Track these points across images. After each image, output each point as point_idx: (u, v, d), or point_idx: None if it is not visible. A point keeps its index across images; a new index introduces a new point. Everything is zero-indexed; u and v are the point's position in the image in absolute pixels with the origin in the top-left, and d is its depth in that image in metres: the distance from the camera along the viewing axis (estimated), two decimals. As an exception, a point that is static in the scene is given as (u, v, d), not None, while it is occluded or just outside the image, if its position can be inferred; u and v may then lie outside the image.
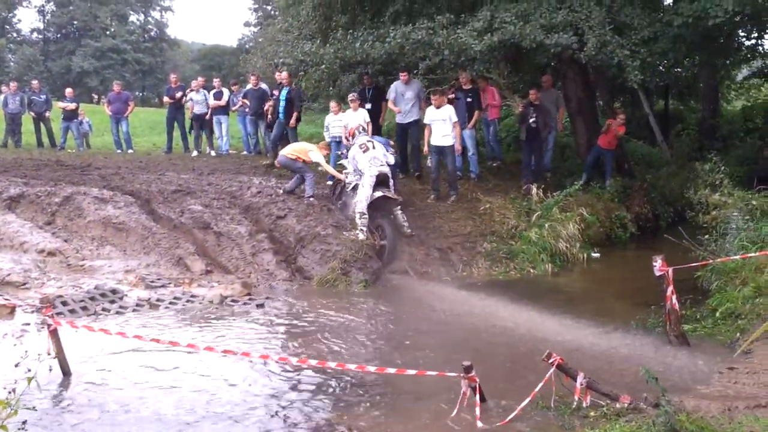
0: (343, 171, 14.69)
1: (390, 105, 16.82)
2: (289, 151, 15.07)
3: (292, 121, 18.18)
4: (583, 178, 16.64)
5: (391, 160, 14.15)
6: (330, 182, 15.74)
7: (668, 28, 15.34)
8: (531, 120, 16.41)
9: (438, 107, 15.17)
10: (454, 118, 15.19)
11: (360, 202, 13.46)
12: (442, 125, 15.14)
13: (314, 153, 14.82)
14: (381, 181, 13.69)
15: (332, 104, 17.08)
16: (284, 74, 18.85)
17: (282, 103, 18.45)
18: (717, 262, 10.64)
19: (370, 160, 13.69)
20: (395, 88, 16.72)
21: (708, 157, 14.44)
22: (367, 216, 13.41)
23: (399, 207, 14.02)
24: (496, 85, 18.50)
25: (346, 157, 14.75)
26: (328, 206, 14.19)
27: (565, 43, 14.55)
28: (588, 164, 17.29)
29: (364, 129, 15.02)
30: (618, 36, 14.97)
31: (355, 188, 13.97)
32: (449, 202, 15.54)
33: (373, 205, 13.57)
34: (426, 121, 15.41)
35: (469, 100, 16.57)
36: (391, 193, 13.83)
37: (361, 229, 13.31)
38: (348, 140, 15.11)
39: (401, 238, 13.78)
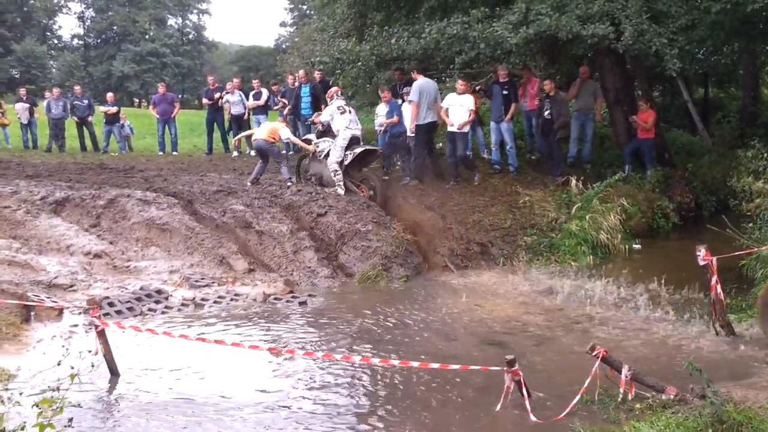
0: (312, 143, 15.60)
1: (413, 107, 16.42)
2: (265, 134, 16.04)
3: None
4: (626, 170, 16.54)
5: (359, 131, 15.35)
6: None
7: (706, 14, 15.15)
8: (546, 112, 16.41)
9: (461, 93, 15.66)
10: (471, 107, 15.59)
11: (333, 162, 14.61)
12: (459, 111, 15.57)
13: (283, 130, 16.38)
14: (353, 142, 14.88)
15: (384, 93, 17.21)
16: (300, 72, 19.65)
17: (307, 99, 18.68)
18: (762, 250, 10.50)
19: (348, 123, 14.88)
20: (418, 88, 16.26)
21: (750, 144, 14.24)
22: (341, 173, 14.60)
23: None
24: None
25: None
26: (368, 203, 14.22)
27: (602, 33, 14.44)
28: (627, 155, 17.19)
29: (341, 93, 16.13)
30: (655, 24, 14.82)
31: (327, 155, 14.95)
32: (475, 183, 15.91)
33: (357, 160, 14.74)
34: (444, 105, 15.84)
35: (505, 92, 16.53)
36: (370, 146, 15.29)
37: (340, 184, 14.53)
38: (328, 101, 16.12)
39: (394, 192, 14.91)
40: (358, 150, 14.77)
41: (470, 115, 15.67)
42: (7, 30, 65.94)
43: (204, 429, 6.53)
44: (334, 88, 16.32)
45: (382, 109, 17.04)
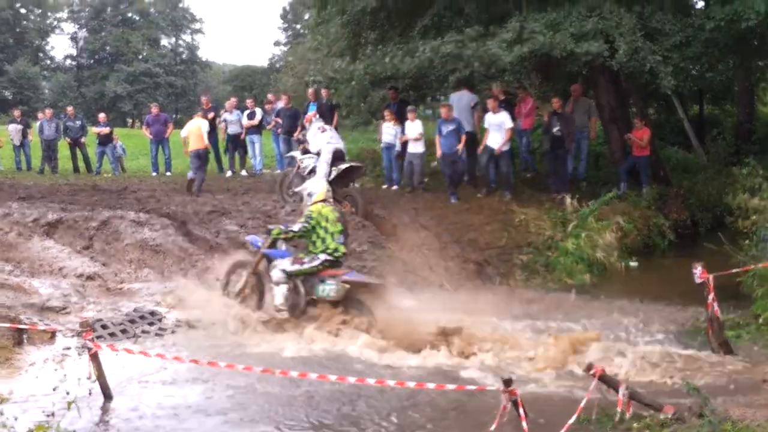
0: (298, 159, 15.94)
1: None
2: (204, 141, 18.33)
3: None
4: (621, 188, 16.52)
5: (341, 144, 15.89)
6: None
7: (700, 32, 15.22)
8: (555, 129, 16.41)
9: (495, 112, 16.12)
10: (508, 124, 16.07)
11: (321, 178, 14.55)
12: (496, 130, 16.07)
13: (204, 124, 18.78)
14: (338, 157, 15.18)
15: (386, 113, 17.43)
16: (310, 90, 19.36)
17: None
18: (759, 267, 10.47)
19: (328, 140, 15.34)
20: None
21: (745, 161, 14.26)
22: (330, 190, 14.33)
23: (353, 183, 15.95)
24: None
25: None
26: (363, 222, 14.17)
27: (596, 51, 14.49)
28: (622, 172, 17.19)
29: (318, 117, 16.85)
30: (649, 42, 14.88)
31: (312, 171, 15.20)
32: (505, 200, 16.09)
33: (341, 177, 14.99)
34: (485, 124, 16.38)
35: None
36: (354, 162, 15.77)
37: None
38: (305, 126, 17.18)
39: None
40: (343, 166, 15.06)
41: (508, 134, 16.16)
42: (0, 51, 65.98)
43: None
44: (311, 112, 17.43)
45: (385, 127, 17.54)
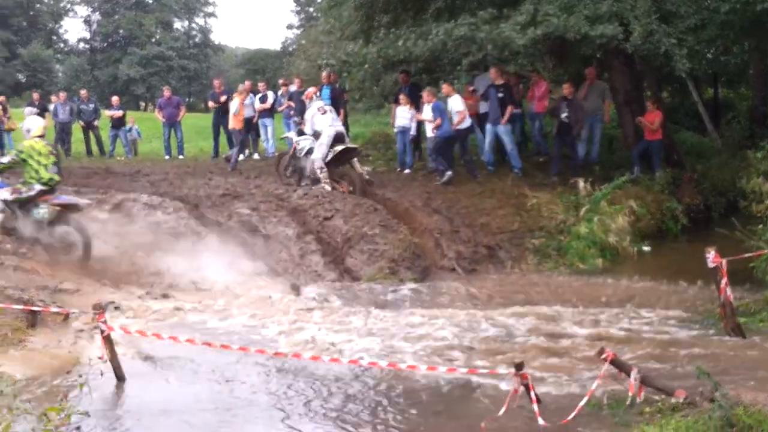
0: (294, 140, 16.33)
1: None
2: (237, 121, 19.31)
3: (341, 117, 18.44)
4: (634, 171, 16.43)
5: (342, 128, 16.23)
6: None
7: (716, 14, 15.10)
8: (563, 115, 16.32)
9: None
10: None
11: (318, 159, 15.14)
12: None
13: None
14: (338, 139, 15.36)
15: (401, 96, 17.40)
16: (324, 73, 19.35)
17: (327, 101, 18.67)
18: (772, 251, 10.43)
19: (331, 121, 15.62)
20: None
21: (760, 144, 14.14)
22: (326, 170, 15.09)
23: (356, 158, 16.15)
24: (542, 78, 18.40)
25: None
26: (375, 206, 14.17)
27: (611, 33, 14.38)
28: (635, 156, 17.09)
29: (317, 95, 17.01)
30: (664, 24, 14.77)
31: (309, 152, 15.52)
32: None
33: (337, 158, 15.23)
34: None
35: (500, 95, 16.46)
36: (350, 144, 16.09)
37: (326, 182, 15.01)
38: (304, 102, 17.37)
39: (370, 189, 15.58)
40: (339, 148, 15.26)
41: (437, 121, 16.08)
42: (13, 34, 65.92)
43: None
44: (312, 89, 17.37)
45: (399, 111, 17.50)
